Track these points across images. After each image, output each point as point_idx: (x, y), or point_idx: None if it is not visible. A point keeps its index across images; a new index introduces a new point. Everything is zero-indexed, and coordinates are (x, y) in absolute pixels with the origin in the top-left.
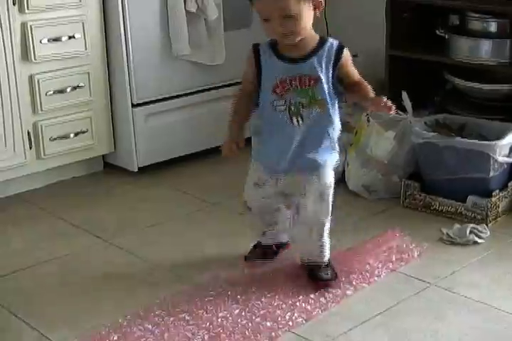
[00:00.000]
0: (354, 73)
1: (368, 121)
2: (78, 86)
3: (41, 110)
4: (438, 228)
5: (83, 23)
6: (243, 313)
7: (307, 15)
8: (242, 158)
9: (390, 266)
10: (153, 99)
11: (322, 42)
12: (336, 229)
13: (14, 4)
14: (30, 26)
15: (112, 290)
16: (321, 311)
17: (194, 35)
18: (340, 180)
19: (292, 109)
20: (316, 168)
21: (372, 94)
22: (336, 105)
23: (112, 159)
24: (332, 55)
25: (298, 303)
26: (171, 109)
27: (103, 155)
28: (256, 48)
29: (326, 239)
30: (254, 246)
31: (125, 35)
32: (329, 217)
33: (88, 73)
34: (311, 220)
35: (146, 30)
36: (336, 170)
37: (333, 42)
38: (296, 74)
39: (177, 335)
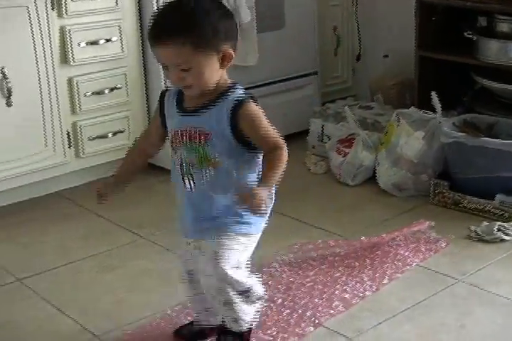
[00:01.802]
0: (260, 135)
1: (398, 121)
2: (116, 87)
3: (80, 111)
4: (466, 225)
5: (120, 27)
6: (285, 303)
7: (210, 68)
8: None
9: (421, 256)
10: None
11: (226, 93)
12: (366, 226)
13: (53, 9)
14: (69, 30)
15: (150, 285)
16: (359, 300)
17: None
18: (371, 177)
19: (184, 167)
20: (212, 232)
21: (267, 179)
22: (250, 163)
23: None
24: (229, 110)
25: (337, 292)
26: None
27: None
28: (163, 94)
29: (241, 307)
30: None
31: None
32: (243, 285)
33: (125, 75)
34: (208, 287)
35: None
36: (362, 170)
37: (236, 94)
38: (187, 128)
39: None
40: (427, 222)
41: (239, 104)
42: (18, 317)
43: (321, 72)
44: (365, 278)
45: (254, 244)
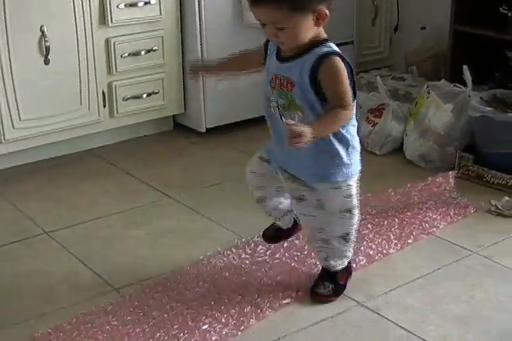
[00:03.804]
0: (333, 91)
1: (428, 93)
2: (152, 49)
3: (116, 71)
4: (487, 199)
5: None
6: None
7: (304, 27)
8: None
9: (449, 219)
10: None
11: (316, 47)
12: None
13: None
14: None
15: (173, 243)
16: (383, 256)
17: None
18: (398, 148)
19: (279, 108)
20: (316, 181)
21: (317, 125)
22: None
23: (182, 119)
24: (312, 61)
25: (362, 248)
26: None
27: (173, 116)
28: (267, 40)
29: (340, 246)
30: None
31: (199, 1)
32: (348, 228)
33: (162, 37)
34: (310, 226)
35: None
36: (390, 140)
37: (322, 49)
38: (280, 75)
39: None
40: (451, 172)
41: (322, 57)
42: (44, 267)
43: (358, 42)
44: (392, 237)
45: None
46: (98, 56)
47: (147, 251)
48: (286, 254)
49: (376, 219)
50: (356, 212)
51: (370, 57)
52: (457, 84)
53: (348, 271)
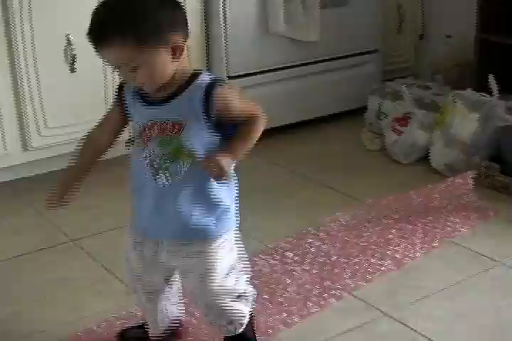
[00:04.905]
0: (237, 111)
1: (454, 102)
2: None
3: None
4: None
5: None
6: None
7: (160, 64)
8: (340, 132)
9: (470, 223)
10: (250, 72)
11: (192, 80)
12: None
13: None
14: None
15: None
16: (410, 260)
17: (290, 12)
18: (424, 157)
19: (156, 163)
20: (192, 236)
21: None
22: None
23: None
24: (202, 95)
25: (389, 252)
26: (266, 82)
27: None
28: (121, 86)
29: (237, 307)
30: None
31: (223, 10)
32: (240, 286)
33: (187, 46)
34: (198, 298)
35: (244, 5)
36: (416, 149)
37: (205, 78)
38: (158, 120)
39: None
40: (469, 172)
41: (210, 87)
42: (70, 275)
43: (383, 50)
44: (416, 241)
45: (237, 237)
46: None
47: None
48: (315, 262)
49: (399, 224)
50: (241, 265)
51: (395, 65)
52: (483, 93)
53: (250, 321)
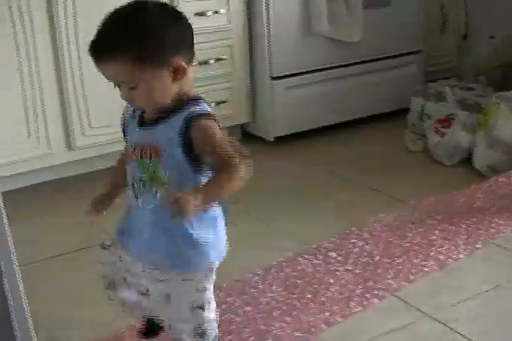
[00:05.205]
0: (212, 153)
1: (497, 103)
2: (221, 58)
3: None
4: None
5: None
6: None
7: (159, 85)
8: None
9: None
10: (292, 72)
11: (183, 107)
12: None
13: None
14: (178, 1)
15: (241, 248)
16: (452, 261)
17: (333, 12)
18: (467, 158)
19: (135, 185)
20: (167, 268)
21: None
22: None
23: (250, 128)
24: (180, 124)
25: (432, 253)
26: (308, 83)
27: (241, 124)
28: (127, 106)
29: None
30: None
31: (267, 10)
32: (203, 325)
33: (230, 46)
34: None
35: (287, 6)
36: (459, 151)
37: (192, 110)
38: (141, 142)
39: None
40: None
41: (192, 119)
42: None
43: (425, 51)
44: (460, 242)
45: (212, 276)
46: None
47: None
48: (358, 262)
49: (442, 225)
50: (211, 306)
51: (438, 66)
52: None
53: None
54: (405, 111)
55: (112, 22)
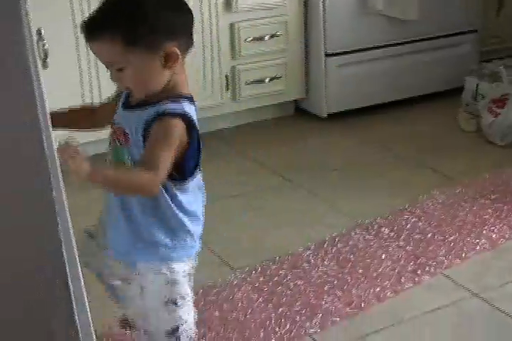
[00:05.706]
0: (149, 149)
1: None
2: (275, 34)
3: (240, 56)
4: None
5: None
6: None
7: (147, 69)
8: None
9: None
10: (346, 50)
11: (162, 100)
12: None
13: None
14: None
15: (289, 226)
16: (505, 241)
17: None
18: None
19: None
20: (136, 257)
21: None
22: (166, 187)
23: (303, 104)
24: (147, 117)
25: (484, 232)
26: (362, 61)
27: (294, 101)
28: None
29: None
30: None
31: None
32: (175, 323)
33: (286, 22)
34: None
35: None
36: None
37: (166, 107)
38: (118, 122)
39: None
40: None
41: (160, 115)
42: None
43: (482, 31)
44: None
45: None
46: (222, 41)
47: (263, 233)
48: (410, 239)
49: (496, 204)
50: (187, 302)
51: (493, 46)
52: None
53: None
54: (458, 90)
55: (108, 2)
